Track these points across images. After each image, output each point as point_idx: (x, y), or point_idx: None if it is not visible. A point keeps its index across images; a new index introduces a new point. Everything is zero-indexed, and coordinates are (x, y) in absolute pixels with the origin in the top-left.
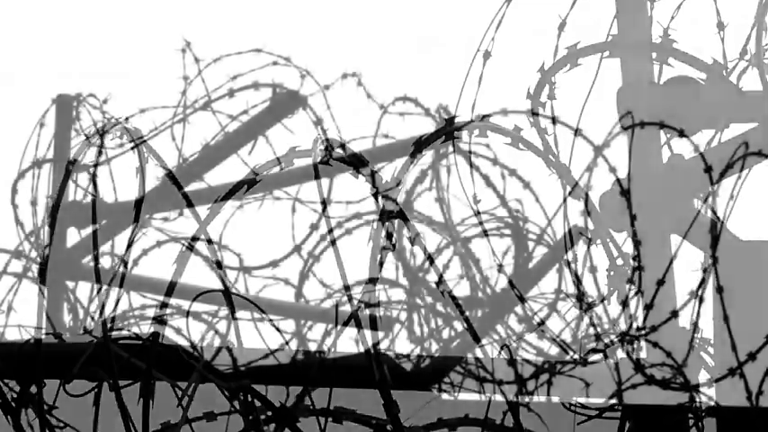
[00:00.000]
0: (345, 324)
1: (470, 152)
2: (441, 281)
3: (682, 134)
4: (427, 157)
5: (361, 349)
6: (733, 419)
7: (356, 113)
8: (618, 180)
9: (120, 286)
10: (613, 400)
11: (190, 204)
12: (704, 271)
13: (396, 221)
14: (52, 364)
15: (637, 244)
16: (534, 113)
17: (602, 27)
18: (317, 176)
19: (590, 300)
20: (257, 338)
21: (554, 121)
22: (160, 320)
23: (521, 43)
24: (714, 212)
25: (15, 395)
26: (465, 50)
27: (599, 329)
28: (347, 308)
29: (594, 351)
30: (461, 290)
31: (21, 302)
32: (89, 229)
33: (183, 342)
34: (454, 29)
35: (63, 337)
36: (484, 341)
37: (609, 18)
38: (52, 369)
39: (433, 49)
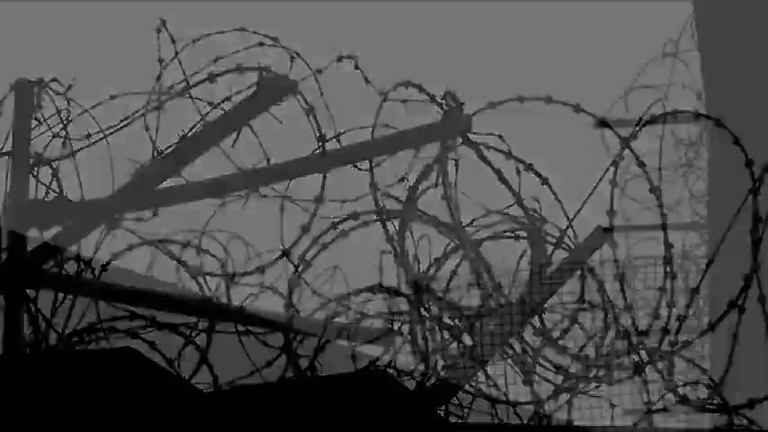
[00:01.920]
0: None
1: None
2: (447, 289)
3: (718, 123)
4: (433, 149)
5: (358, 366)
6: None
7: (353, 101)
8: (647, 175)
9: (87, 295)
10: (643, 424)
11: (166, 203)
12: (745, 278)
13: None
14: None
15: (669, 247)
16: (550, 100)
17: None
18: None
19: (616, 310)
20: (241, 354)
21: (576, 109)
22: (132, 334)
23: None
24: (756, 211)
25: None
26: (465, 50)
27: (626, 343)
28: (342, 319)
29: (621, 368)
30: (471, 299)
31: None
32: (52, 231)
33: (158, 358)
34: (454, 29)
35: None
36: (496, 357)
37: None
38: None
39: (433, 49)
